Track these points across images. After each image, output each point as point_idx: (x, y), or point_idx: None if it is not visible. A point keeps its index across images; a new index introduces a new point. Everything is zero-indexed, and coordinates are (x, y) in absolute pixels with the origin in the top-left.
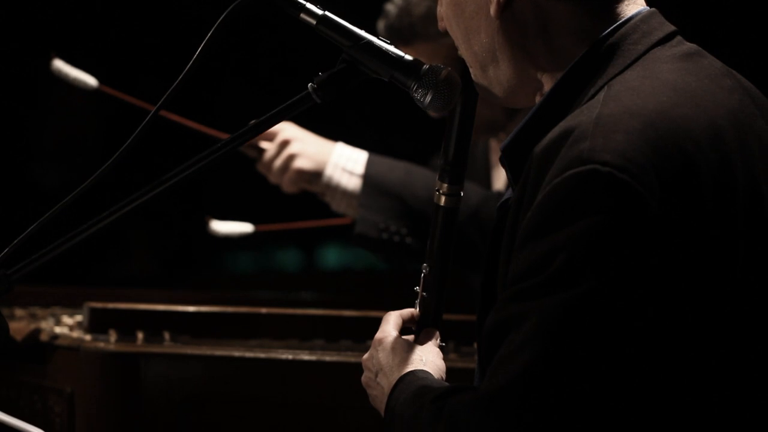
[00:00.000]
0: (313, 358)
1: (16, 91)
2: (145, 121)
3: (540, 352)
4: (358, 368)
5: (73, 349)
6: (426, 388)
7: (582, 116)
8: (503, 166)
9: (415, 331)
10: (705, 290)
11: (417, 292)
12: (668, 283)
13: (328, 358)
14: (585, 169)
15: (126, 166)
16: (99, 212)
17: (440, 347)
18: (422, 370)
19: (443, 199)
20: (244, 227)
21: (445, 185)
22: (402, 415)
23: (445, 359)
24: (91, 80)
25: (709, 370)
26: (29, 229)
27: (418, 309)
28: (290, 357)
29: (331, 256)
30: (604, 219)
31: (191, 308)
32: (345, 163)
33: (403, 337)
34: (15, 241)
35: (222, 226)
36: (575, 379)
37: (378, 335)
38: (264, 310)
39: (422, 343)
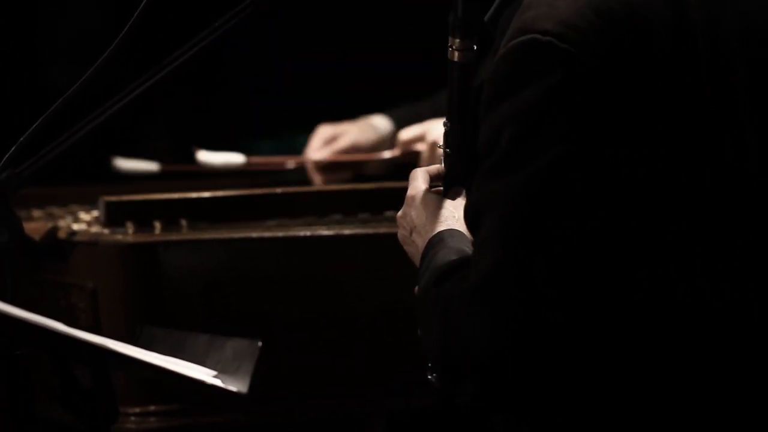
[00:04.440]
0: (331, 232)
1: None
2: (142, 6)
3: (507, 238)
4: (377, 239)
5: (92, 243)
6: (439, 263)
7: None
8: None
9: (443, 186)
10: (665, 155)
11: (442, 149)
12: (620, 148)
13: (347, 232)
14: (526, 38)
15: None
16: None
17: None
18: (450, 230)
19: (456, 54)
20: (235, 158)
21: (457, 40)
22: (419, 288)
23: None
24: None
25: (682, 231)
26: (35, 125)
27: (443, 165)
28: (308, 234)
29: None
30: (544, 90)
31: (206, 194)
32: None
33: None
34: (21, 138)
35: (211, 157)
36: (545, 262)
37: (409, 192)
38: (279, 190)
39: (453, 198)
